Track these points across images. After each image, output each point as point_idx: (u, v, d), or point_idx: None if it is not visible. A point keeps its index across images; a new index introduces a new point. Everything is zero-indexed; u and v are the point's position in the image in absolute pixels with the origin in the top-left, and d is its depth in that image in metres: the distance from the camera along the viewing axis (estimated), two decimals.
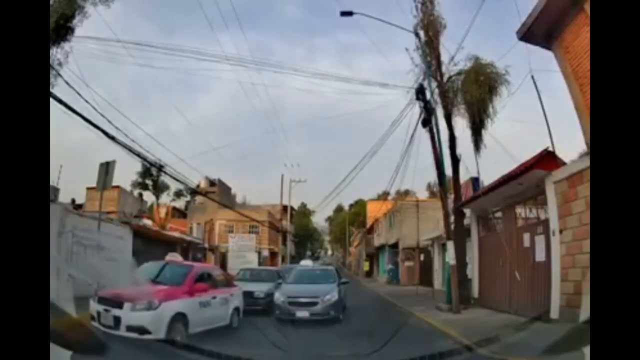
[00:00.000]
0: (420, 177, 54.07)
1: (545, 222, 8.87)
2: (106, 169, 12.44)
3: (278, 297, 9.88)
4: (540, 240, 9.06)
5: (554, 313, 8.03)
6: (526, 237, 9.68)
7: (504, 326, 7.49)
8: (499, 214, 11.56)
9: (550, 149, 9.28)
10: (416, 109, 13.23)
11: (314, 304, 9.45)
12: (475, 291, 12.06)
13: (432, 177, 45.38)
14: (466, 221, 12.95)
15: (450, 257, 11.21)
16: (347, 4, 50.33)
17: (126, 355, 4.73)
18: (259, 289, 11.20)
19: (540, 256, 9.01)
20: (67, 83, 10.67)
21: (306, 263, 27.40)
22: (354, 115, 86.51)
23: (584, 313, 5.53)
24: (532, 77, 11.85)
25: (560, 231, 8.18)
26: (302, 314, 9.37)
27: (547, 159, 8.88)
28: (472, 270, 12.30)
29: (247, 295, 10.49)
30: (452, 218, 12.56)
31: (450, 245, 11.35)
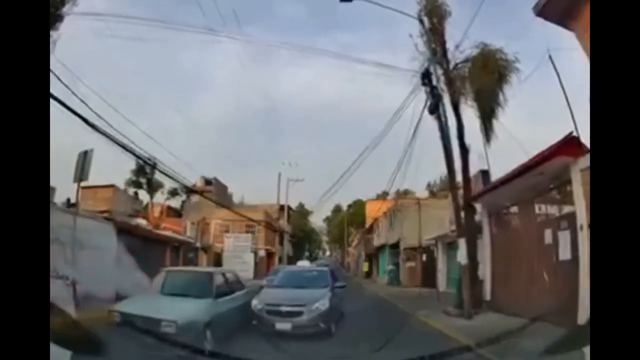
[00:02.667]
0: (419, 177, 53.31)
1: (571, 216, 7.89)
2: (84, 158, 11.57)
3: (255, 304, 8.15)
4: (564, 236, 8.09)
5: (582, 318, 7.04)
6: (548, 233, 8.71)
7: (529, 334, 6.45)
8: (513, 209, 10.61)
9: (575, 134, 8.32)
10: (420, 104, 12.41)
11: (298, 313, 7.74)
12: (486, 293, 11.06)
13: (432, 176, 44.68)
14: (476, 217, 11.96)
15: (462, 255, 10.16)
16: None
17: (126, 356, 4.51)
18: (173, 315, 5.94)
19: (564, 254, 8.05)
20: (58, 79, 9.84)
21: (303, 264, 26.38)
22: (354, 115, 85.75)
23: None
24: (550, 56, 11.08)
25: (589, 225, 7.22)
26: (282, 326, 7.62)
27: (572, 145, 7.86)
28: (484, 271, 11.30)
29: (147, 327, 5.61)
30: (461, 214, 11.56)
31: (462, 242, 10.29)
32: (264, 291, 9.01)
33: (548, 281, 8.45)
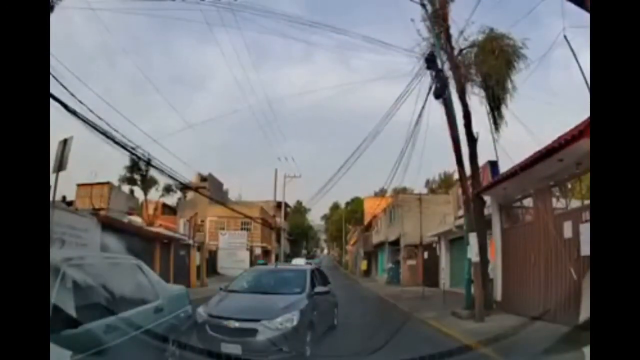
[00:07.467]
0: (418, 174, 52.62)
1: None
2: (63, 146, 10.72)
3: (200, 313, 6.17)
4: (587, 230, 7.29)
5: None
6: (567, 226, 7.91)
7: (557, 341, 5.63)
8: (526, 202, 9.81)
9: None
10: (423, 93, 11.72)
11: (251, 332, 5.62)
12: (497, 293, 10.25)
13: (431, 173, 44.15)
14: (486, 211, 11.15)
15: (473, 252, 9.29)
16: None
17: (126, 355, 4.22)
18: None
19: (587, 249, 7.24)
20: (53, 77, 9.05)
21: (298, 262, 25.54)
22: (353, 113, 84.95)
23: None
24: (565, 36, 10.57)
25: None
26: (230, 348, 5.51)
27: None
28: (494, 269, 10.48)
29: None
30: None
31: (472, 237, 9.44)
32: (215, 296, 6.96)
33: (568, 280, 7.66)
